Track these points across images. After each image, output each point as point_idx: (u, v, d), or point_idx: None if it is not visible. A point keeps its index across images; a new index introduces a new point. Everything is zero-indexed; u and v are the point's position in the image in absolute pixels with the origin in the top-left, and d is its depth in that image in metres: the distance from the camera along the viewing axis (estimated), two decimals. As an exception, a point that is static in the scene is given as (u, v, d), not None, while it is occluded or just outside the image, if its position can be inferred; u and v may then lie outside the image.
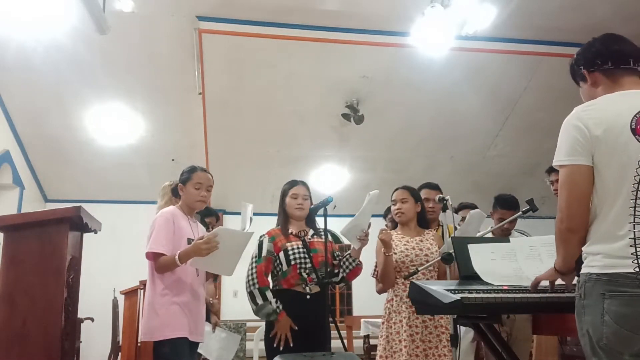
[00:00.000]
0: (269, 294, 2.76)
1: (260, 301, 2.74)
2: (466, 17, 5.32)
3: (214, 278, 4.22)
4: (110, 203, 7.76)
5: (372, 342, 6.13)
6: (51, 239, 2.50)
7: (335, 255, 2.98)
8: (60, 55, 5.96)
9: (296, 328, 2.73)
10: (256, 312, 2.78)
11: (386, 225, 3.78)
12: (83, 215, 2.59)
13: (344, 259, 2.98)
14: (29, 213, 2.75)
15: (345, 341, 3.42)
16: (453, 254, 2.32)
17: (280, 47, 6.08)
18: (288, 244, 2.86)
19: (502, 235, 3.46)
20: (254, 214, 3.09)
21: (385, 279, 3.06)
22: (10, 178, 7.12)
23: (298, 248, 2.84)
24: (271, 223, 3.10)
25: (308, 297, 2.80)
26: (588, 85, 1.75)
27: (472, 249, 2.12)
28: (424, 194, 3.39)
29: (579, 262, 1.65)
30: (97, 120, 7.00)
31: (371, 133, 7.28)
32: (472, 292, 1.81)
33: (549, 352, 4.15)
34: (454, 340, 2.46)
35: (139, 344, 4.96)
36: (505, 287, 1.89)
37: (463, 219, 4.02)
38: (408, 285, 2.39)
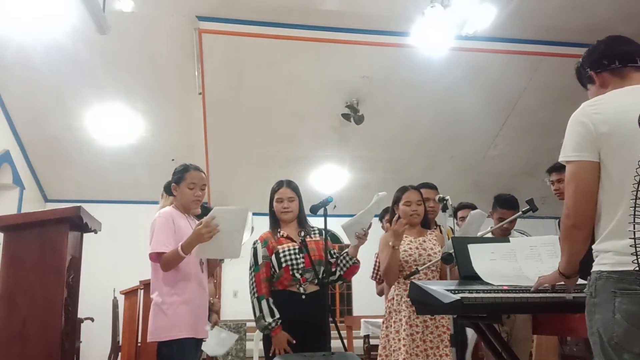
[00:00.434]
0: (265, 305, 2.77)
1: (257, 313, 2.78)
2: (466, 17, 5.31)
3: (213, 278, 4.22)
4: (110, 203, 7.77)
5: (372, 342, 6.12)
6: (51, 239, 2.50)
7: (332, 253, 2.98)
8: (60, 55, 5.96)
9: (294, 342, 2.74)
10: (255, 323, 2.86)
11: (382, 227, 3.75)
12: (83, 215, 2.60)
13: (342, 257, 2.98)
14: (29, 213, 2.75)
15: (345, 341, 3.42)
16: (453, 254, 2.32)
17: (280, 47, 6.08)
18: (279, 247, 2.86)
19: (502, 235, 3.47)
20: (254, 214, 3.09)
21: (389, 274, 3.04)
22: (10, 178, 7.12)
23: (289, 250, 2.84)
24: (272, 223, 3.09)
25: (303, 296, 2.81)
26: (596, 87, 1.73)
27: (472, 249, 2.12)
28: (423, 193, 3.39)
29: (583, 265, 1.64)
30: (97, 120, 7.01)
31: (371, 133, 7.28)
32: (472, 292, 1.81)
33: (549, 352, 4.15)
34: (455, 340, 2.46)
35: (139, 344, 4.97)
36: (505, 287, 1.89)
37: (463, 218, 4.02)
38: (409, 285, 2.38)
